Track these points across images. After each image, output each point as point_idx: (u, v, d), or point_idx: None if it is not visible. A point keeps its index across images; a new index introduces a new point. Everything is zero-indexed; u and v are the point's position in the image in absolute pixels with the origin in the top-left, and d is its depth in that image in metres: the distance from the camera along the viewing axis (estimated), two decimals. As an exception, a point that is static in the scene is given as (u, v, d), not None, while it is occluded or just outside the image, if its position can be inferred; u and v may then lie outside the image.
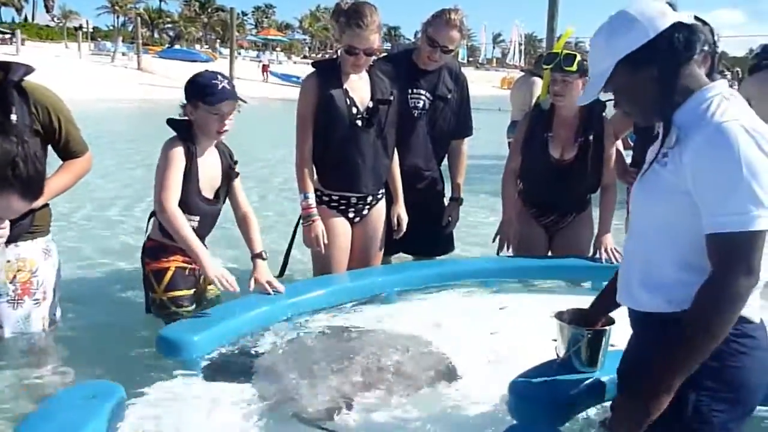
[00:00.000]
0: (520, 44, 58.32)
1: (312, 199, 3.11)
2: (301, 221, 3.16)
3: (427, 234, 3.57)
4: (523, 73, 8.10)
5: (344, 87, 3.06)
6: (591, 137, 3.36)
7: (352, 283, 3.12)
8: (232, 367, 2.40)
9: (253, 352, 2.52)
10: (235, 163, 3.04)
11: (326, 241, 3.12)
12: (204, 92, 2.77)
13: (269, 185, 7.77)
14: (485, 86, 40.79)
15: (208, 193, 2.91)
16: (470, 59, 64.16)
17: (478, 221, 5.84)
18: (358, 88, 3.10)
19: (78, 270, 4.16)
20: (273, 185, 7.79)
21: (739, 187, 1.45)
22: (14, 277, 2.63)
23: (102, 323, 3.23)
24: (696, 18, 3.38)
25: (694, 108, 1.58)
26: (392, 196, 3.35)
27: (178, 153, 2.77)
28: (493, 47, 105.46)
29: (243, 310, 2.69)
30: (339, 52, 3.07)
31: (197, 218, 2.87)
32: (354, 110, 3.07)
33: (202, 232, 2.93)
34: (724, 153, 1.47)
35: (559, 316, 2.12)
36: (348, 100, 3.06)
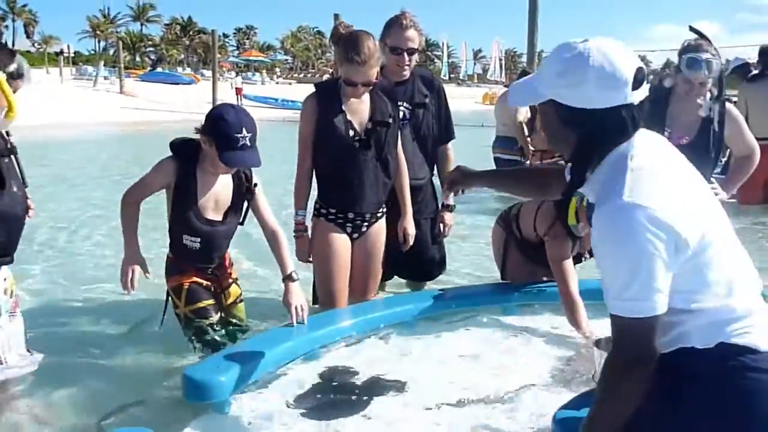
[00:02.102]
0: (500, 60, 58.84)
1: (303, 217, 3.18)
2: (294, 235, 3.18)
3: (419, 257, 3.55)
4: (506, 89, 8.13)
5: (343, 109, 3.07)
6: None
7: (377, 312, 3.09)
8: (263, 406, 2.35)
9: (282, 386, 2.48)
10: (255, 185, 2.98)
11: (315, 254, 3.16)
12: (223, 144, 2.69)
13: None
14: (467, 102, 41.03)
15: (213, 214, 2.90)
16: (451, 76, 64.64)
17: (463, 239, 5.80)
18: (358, 110, 3.11)
19: (72, 302, 4.07)
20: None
21: (630, 272, 1.41)
22: (12, 291, 2.66)
23: (123, 356, 3.16)
24: (693, 30, 3.38)
25: (610, 164, 1.51)
26: (400, 209, 3.31)
27: (162, 169, 2.84)
28: (474, 63, 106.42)
29: (270, 344, 2.64)
30: (339, 73, 3.07)
31: (199, 239, 2.88)
32: (352, 132, 3.08)
33: (209, 253, 2.96)
34: (618, 235, 1.41)
35: (597, 344, 2.09)
36: (346, 122, 3.07)
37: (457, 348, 2.85)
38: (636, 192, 1.42)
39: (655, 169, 1.47)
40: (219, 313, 3.01)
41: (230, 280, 3.15)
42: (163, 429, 2.13)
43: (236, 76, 48.10)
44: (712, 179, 3.46)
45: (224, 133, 2.67)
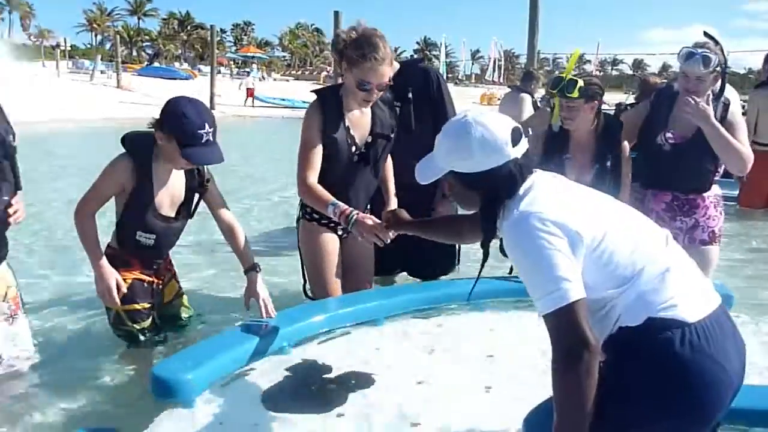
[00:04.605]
0: (498, 60, 58.84)
1: (341, 204, 2.81)
2: (351, 226, 2.77)
3: (427, 253, 3.51)
4: (509, 90, 8.09)
5: (346, 124, 3.00)
6: (608, 163, 3.32)
7: (347, 308, 3.05)
8: (233, 402, 2.33)
9: (251, 384, 2.46)
10: (207, 181, 2.93)
11: (306, 252, 3.15)
12: (185, 141, 2.62)
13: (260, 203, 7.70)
14: (466, 102, 41.01)
15: (167, 210, 2.86)
16: (449, 75, 64.54)
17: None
18: (359, 124, 3.05)
19: (55, 297, 4.00)
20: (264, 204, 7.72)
21: (536, 270, 1.59)
22: (6, 293, 2.64)
23: (88, 355, 3.09)
24: (707, 35, 3.38)
25: (509, 210, 1.70)
26: (384, 200, 3.27)
27: (115, 173, 2.75)
28: (472, 64, 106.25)
29: (238, 341, 2.61)
30: (340, 81, 2.98)
31: (154, 236, 2.84)
32: (353, 148, 3.03)
33: (160, 250, 2.94)
34: (519, 241, 1.63)
35: None
36: (349, 137, 3.01)
37: (429, 344, 2.82)
38: (528, 203, 1.66)
39: (543, 186, 1.72)
40: (152, 315, 2.95)
41: (170, 275, 3.13)
42: (129, 427, 2.09)
43: (248, 76, 42.33)
44: (717, 175, 3.45)
45: (186, 130, 2.60)
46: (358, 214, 2.74)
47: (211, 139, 2.64)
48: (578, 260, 1.59)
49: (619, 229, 1.67)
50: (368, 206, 3.30)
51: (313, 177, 2.93)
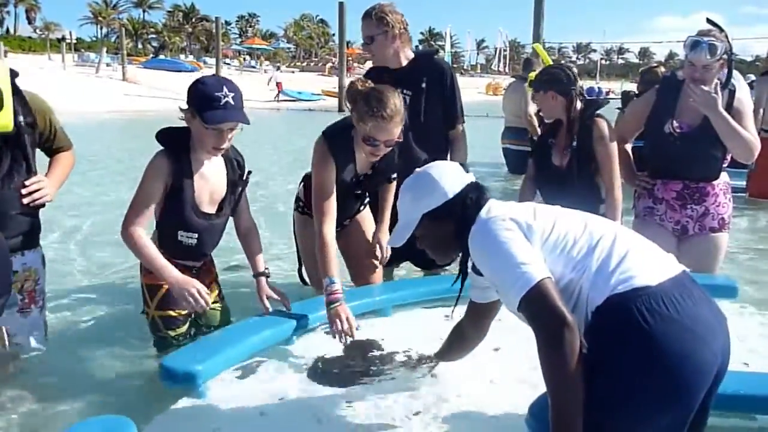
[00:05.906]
0: (504, 50, 58.61)
1: (339, 284, 2.70)
2: (329, 310, 2.67)
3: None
4: (513, 80, 8.08)
5: (356, 162, 2.99)
6: (582, 145, 3.33)
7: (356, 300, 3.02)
8: (241, 392, 2.35)
9: (260, 374, 2.48)
10: (249, 173, 2.87)
11: (301, 242, 3.19)
12: (204, 105, 2.51)
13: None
14: (471, 92, 40.93)
15: (208, 207, 2.75)
16: (454, 65, 64.38)
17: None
18: (366, 162, 3.04)
19: (68, 288, 4.04)
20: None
21: (500, 264, 1.71)
22: (22, 286, 2.68)
23: (100, 345, 3.12)
24: (710, 22, 3.36)
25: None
26: (378, 218, 3.30)
27: (158, 171, 2.61)
28: (477, 54, 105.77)
29: (246, 333, 2.61)
30: (353, 122, 2.89)
31: (196, 235, 2.74)
32: (354, 179, 3.05)
33: (203, 249, 2.84)
34: (482, 244, 1.80)
35: None
36: (354, 174, 3.03)
37: (435, 335, 2.78)
38: (486, 212, 1.87)
39: (497, 203, 1.92)
40: (189, 321, 2.85)
41: (210, 278, 2.99)
42: (141, 416, 2.09)
43: (276, 70, 39.39)
44: (725, 163, 3.43)
45: (204, 95, 2.52)
46: (340, 305, 2.62)
47: (231, 102, 2.51)
48: (536, 246, 1.73)
49: (566, 218, 1.83)
50: (367, 199, 3.33)
51: (330, 228, 2.83)
